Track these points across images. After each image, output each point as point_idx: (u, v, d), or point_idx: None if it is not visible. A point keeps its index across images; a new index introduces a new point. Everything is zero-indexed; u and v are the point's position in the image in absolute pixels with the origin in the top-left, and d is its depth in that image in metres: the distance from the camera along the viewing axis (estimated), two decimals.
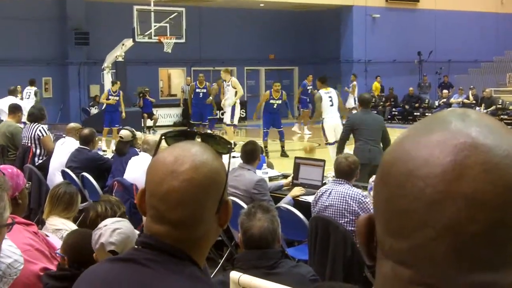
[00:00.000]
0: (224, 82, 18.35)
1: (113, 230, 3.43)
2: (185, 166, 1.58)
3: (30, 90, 21.30)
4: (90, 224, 4.34)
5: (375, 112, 10.05)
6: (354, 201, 5.94)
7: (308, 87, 23.38)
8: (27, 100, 21.34)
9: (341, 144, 9.59)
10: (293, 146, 19.12)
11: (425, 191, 0.84)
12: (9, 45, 24.87)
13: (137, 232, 3.63)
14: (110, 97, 19.26)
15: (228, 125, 17.80)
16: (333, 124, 13.57)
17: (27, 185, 3.35)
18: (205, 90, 21.52)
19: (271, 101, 17.06)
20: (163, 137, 1.84)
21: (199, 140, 1.81)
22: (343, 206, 5.96)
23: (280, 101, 17.23)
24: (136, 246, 1.65)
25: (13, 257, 2.30)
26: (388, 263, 0.89)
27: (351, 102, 24.89)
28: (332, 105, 13.75)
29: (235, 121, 17.99)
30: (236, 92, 17.67)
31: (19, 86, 17.56)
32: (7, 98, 15.44)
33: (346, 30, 30.32)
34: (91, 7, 26.23)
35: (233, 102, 17.57)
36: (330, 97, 13.84)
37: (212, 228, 1.65)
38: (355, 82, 25.90)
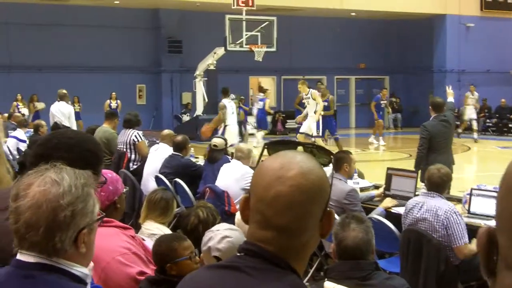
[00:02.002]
0: (304, 94, 18.46)
1: (223, 237, 3.47)
2: (292, 172, 1.60)
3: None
4: (191, 229, 4.41)
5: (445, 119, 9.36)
6: (445, 216, 5.79)
7: (382, 101, 23.39)
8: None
9: (421, 157, 9.10)
10: (371, 157, 18.92)
11: None
12: (105, 53, 25.60)
13: None
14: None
15: (315, 136, 17.88)
16: (235, 131, 16.82)
17: (124, 190, 3.42)
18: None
19: None
20: (265, 146, 1.85)
21: (301, 149, 1.82)
22: (436, 221, 5.84)
23: None
24: (238, 253, 1.66)
25: None
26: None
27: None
28: (233, 113, 16.71)
29: (320, 133, 18.14)
30: (317, 104, 17.88)
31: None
32: (59, 104, 15.83)
33: (439, 39, 29.79)
34: (184, 16, 26.69)
35: (318, 116, 17.84)
36: (231, 106, 16.78)
37: (314, 236, 1.65)
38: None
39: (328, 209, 1.65)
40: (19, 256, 1.86)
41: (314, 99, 18.00)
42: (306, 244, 1.64)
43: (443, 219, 5.76)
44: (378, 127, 23.03)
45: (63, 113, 15.17)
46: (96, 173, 2.56)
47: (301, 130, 18.10)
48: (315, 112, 17.89)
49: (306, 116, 18.22)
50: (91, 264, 2.04)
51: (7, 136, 13.26)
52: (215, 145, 9.11)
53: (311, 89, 18.30)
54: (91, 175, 1.95)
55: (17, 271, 1.84)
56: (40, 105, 22.88)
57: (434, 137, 8.96)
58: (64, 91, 16.44)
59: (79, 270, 1.88)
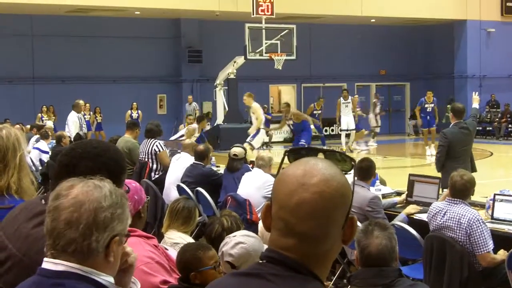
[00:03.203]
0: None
1: (237, 243, 3.49)
2: (315, 179, 1.60)
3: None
4: (215, 237, 4.43)
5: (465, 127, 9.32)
6: (468, 223, 5.76)
7: (426, 105, 21.57)
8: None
9: (441, 165, 9.11)
10: (393, 164, 18.85)
11: None
12: (126, 63, 25.74)
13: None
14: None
15: (247, 142, 17.82)
16: None
17: (146, 199, 3.44)
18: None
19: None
20: (286, 154, 1.85)
21: (322, 156, 1.82)
22: (458, 228, 5.80)
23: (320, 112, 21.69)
24: (260, 261, 1.66)
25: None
26: None
27: (349, 121, 22.19)
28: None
29: (255, 144, 17.92)
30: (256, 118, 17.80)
31: (81, 101, 17.89)
32: (71, 113, 16.18)
33: (460, 45, 29.64)
34: (204, 26, 26.78)
35: (253, 130, 17.74)
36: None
37: (336, 243, 1.65)
38: (352, 97, 23.30)
39: (350, 215, 1.65)
40: (45, 265, 1.87)
41: (253, 113, 17.96)
42: (328, 251, 1.64)
43: (466, 227, 5.73)
44: (427, 135, 21.17)
45: (67, 121, 15.71)
46: (120, 182, 2.58)
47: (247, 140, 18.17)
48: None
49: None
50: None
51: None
52: (235, 155, 9.13)
53: (254, 103, 18.15)
54: (124, 191, 2.00)
55: (45, 280, 1.85)
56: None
57: (453, 144, 8.94)
58: (81, 101, 16.66)
59: (106, 279, 1.90)
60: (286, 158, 1.85)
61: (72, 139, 13.15)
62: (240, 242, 3.52)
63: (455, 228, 5.80)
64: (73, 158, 2.52)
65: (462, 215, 5.80)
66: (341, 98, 22.46)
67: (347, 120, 21.99)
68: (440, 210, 6.02)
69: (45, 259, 1.88)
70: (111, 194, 1.89)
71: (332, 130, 27.30)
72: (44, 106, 22.98)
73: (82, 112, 18.61)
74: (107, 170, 2.43)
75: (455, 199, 5.95)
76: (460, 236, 5.76)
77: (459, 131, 9.02)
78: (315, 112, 22.19)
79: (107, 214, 1.85)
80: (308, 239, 1.59)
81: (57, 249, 1.85)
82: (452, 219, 5.84)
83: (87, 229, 1.83)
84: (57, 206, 1.86)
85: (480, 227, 5.72)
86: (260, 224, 5.03)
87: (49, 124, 20.38)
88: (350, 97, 22.82)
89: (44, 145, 13.79)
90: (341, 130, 22.16)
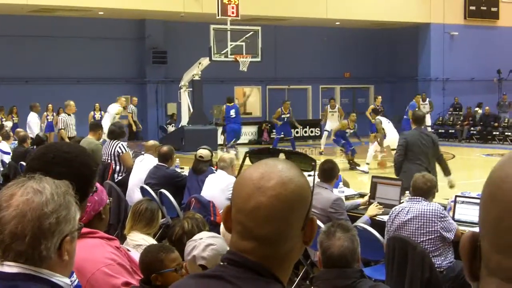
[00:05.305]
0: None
1: (207, 245, 3.48)
2: (272, 182, 1.58)
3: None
4: (176, 240, 4.41)
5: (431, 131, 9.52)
6: (436, 217, 5.85)
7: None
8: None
9: (399, 166, 9.20)
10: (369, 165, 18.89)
11: None
12: (90, 64, 25.53)
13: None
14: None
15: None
16: None
17: (108, 201, 3.41)
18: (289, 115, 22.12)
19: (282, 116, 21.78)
20: (247, 155, 1.84)
21: (283, 157, 1.82)
22: (424, 223, 5.87)
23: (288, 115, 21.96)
24: (221, 263, 1.65)
25: None
26: (494, 281, 0.87)
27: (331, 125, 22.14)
28: None
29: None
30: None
31: (71, 102, 18.06)
32: (30, 114, 16.25)
33: (424, 48, 29.95)
34: (169, 27, 26.68)
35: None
36: None
37: (297, 245, 1.65)
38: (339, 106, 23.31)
39: (310, 216, 1.65)
40: None
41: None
42: (289, 253, 1.63)
43: (438, 219, 5.83)
44: None
45: (28, 123, 15.77)
46: (92, 185, 2.58)
47: None
48: None
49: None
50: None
51: None
52: (201, 157, 9.10)
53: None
54: (69, 184, 1.96)
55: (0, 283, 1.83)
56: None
57: (411, 145, 9.05)
58: (71, 102, 16.72)
59: (61, 280, 1.88)
60: (247, 159, 1.85)
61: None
62: (210, 244, 3.52)
63: (421, 222, 5.88)
64: (46, 163, 2.49)
65: (426, 209, 5.90)
66: (328, 106, 22.73)
67: (334, 125, 22.03)
68: (402, 208, 6.10)
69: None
70: (52, 197, 1.84)
71: (297, 133, 27.32)
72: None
73: (56, 113, 18.59)
74: (80, 176, 2.42)
75: (417, 197, 6.04)
76: (426, 229, 5.84)
77: (418, 133, 9.15)
78: (283, 116, 22.15)
79: (52, 220, 1.81)
80: (267, 242, 1.59)
81: (8, 260, 1.83)
82: (417, 214, 5.93)
83: (34, 239, 1.80)
84: None
85: (446, 215, 5.94)
86: (222, 226, 5.04)
87: (8, 124, 20.14)
88: (336, 106, 23.01)
89: (5, 145, 13.62)
90: (324, 131, 22.33)
